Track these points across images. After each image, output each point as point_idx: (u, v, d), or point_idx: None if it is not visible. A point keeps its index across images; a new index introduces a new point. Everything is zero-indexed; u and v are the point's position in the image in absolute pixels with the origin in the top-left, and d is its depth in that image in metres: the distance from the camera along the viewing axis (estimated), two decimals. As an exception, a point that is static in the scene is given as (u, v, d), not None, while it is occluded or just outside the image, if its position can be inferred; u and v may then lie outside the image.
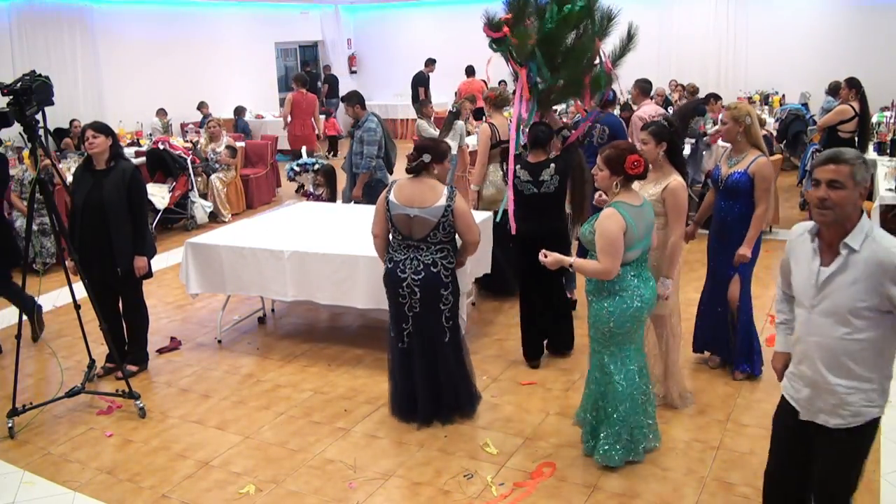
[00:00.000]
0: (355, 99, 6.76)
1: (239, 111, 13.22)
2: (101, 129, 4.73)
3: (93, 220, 4.70)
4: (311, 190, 7.42)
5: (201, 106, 12.97)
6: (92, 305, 4.45)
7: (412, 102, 14.09)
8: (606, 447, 3.68)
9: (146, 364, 5.14)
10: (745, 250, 4.36)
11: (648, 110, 7.21)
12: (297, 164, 7.60)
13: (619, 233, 3.45)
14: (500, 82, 15.37)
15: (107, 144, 4.71)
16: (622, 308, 3.59)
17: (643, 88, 7.65)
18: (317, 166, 7.35)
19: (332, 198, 7.26)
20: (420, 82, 14.43)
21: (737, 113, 4.35)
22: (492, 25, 4.62)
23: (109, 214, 4.67)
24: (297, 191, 7.72)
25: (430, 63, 14.57)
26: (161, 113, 12.33)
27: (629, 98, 7.60)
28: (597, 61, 4.80)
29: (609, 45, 4.90)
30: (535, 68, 4.65)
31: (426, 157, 4.01)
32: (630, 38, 4.77)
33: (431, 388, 4.17)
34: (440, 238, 4.00)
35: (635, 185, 3.77)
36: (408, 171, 4.07)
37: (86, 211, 4.72)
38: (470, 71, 13.65)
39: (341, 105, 15.45)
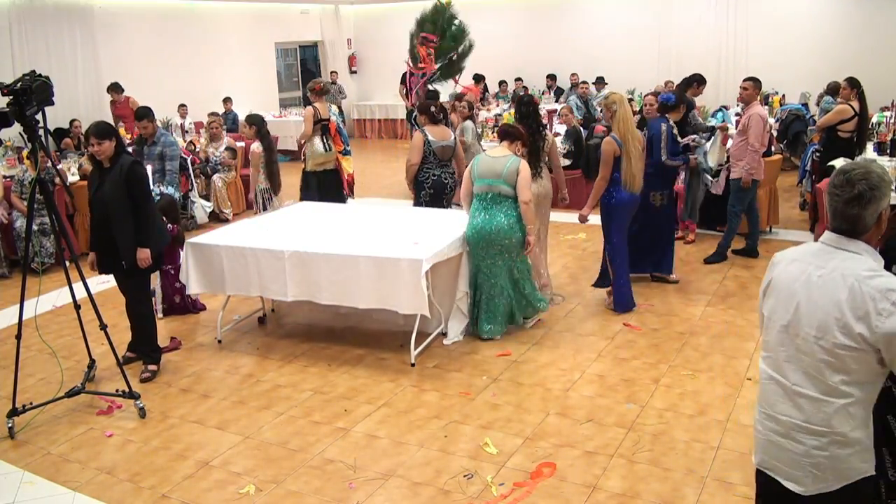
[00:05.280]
0: (152, 114, 6.62)
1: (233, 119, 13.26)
2: (104, 134, 4.71)
3: (99, 216, 4.81)
4: None
5: (226, 101, 13.21)
6: (93, 306, 4.45)
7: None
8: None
9: (159, 363, 5.13)
10: (584, 210, 5.87)
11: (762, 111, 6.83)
12: None
13: (466, 172, 5.37)
14: (500, 82, 15.41)
15: (112, 147, 4.73)
16: (467, 226, 5.29)
17: (760, 86, 7.07)
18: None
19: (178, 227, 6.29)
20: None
21: (606, 101, 5.68)
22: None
23: (110, 210, 4.72)
24: None
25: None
26: (182, 109, 12.43)
27: (741, 94, 6.94)
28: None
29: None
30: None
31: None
32: (467, 42, 8.51)
33: None
34: None
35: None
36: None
37: (94, 208, 4.86)
38: (478, 78, 13.53)
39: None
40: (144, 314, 5.06)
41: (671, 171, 6.40)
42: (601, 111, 9.56)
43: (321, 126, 7.62)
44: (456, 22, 8.26)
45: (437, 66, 8.64)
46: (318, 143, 7.58)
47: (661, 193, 6.22)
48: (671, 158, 6.22)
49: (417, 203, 6.64)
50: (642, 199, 5.96)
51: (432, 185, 6.49)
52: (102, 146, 4.68)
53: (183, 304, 6.13)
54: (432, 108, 6.61)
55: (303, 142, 7.77)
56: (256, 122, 7.10)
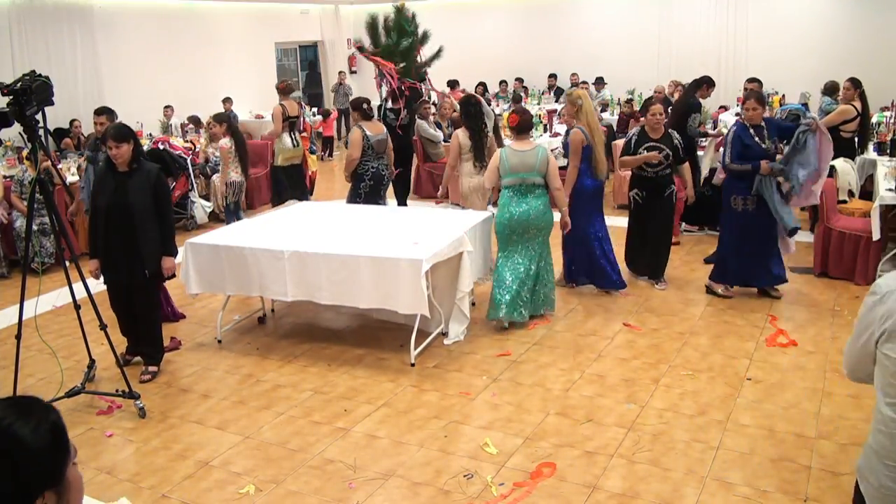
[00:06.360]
0: (112, 112, 5.99)
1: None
2: (123, 136, 4.66)
3: (119, 222, 4.68)
4: None
5: (226, 101, 13.23)
6: (93, 306, 4.45)
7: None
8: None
9: (160, 364, 5.13)
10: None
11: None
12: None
13: (493, 165, 5.51)
14: (500, 82, 15.41)
15: (130, 149, 4.68)
16: (498, 216, 5.49)
17: (761, 86, 7.60)
18: None
19: None
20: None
21: (571, 97, 6.01)
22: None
23: (136, 216, 4.65)
24: None
25: None
26: (167, 109, 12.42)
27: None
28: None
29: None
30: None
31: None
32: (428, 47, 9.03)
33: None
34: None
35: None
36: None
37: (111, 213, 4.70)
38: (453, 84, 13.29)
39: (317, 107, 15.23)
40: (154, 318, 5.05)
41: (746, 174, 5.76)
42: (600, 109, 9.72)
43: (289, 123, 8.09)
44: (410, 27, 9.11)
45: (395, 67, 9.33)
46: (286, 138, 8.08)
47: (741, 198, 5.79)
48: (736, 162, 5.72)
49: (355, 194, 6.94)
50: (728, 206, 5.88)
51: (371, 176, 6.89)
52: (121, 149, 4.63)
53: (163, 314, 5.96)
54: (364, 105, 6.97)
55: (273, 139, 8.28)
56: (226, 119, 7.61)
